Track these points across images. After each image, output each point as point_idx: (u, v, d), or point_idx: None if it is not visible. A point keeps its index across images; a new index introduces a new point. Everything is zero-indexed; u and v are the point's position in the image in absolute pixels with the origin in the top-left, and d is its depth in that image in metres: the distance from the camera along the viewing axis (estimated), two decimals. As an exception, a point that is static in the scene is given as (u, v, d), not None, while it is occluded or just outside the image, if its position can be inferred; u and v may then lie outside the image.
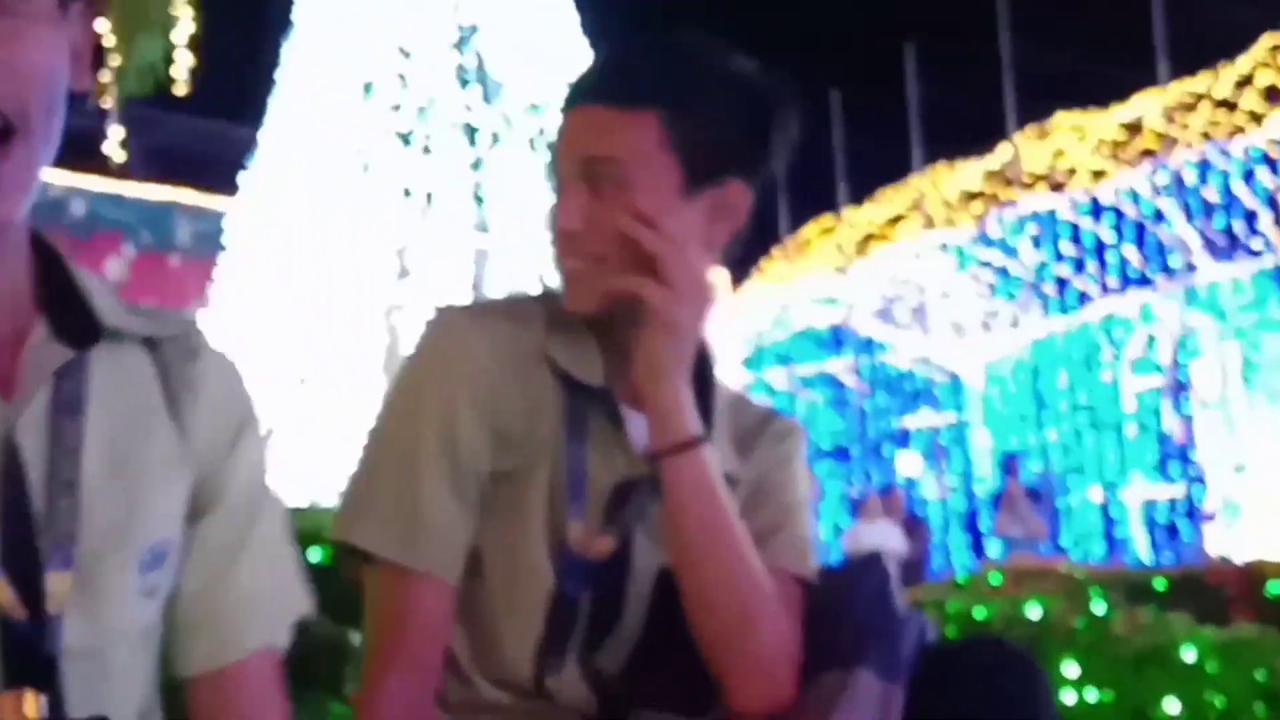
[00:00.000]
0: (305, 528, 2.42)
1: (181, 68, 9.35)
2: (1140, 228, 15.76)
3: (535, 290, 1.63)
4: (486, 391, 1.48)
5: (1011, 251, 16.99)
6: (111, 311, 1.11)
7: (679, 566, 1.46)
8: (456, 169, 11.71)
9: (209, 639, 1.15)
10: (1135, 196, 15.83)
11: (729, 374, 14.57)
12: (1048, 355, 17.12)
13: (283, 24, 11.87)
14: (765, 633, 1.45)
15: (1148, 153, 15.64)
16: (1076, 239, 16.29)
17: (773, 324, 18.60)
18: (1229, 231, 15.09)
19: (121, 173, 13.11)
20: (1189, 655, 3.96)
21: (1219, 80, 15.42)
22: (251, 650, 1.16)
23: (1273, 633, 4.26)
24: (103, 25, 8.97)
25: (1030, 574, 5.40)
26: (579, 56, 11.40)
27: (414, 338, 1.55)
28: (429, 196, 11.80)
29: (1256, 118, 14.85)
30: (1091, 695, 3.98)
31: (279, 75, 11.92)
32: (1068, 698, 3.97)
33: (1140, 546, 15.90)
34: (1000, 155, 17.21)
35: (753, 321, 18.22)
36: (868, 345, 18.57)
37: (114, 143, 10.11)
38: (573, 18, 11.85)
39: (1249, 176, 14.73)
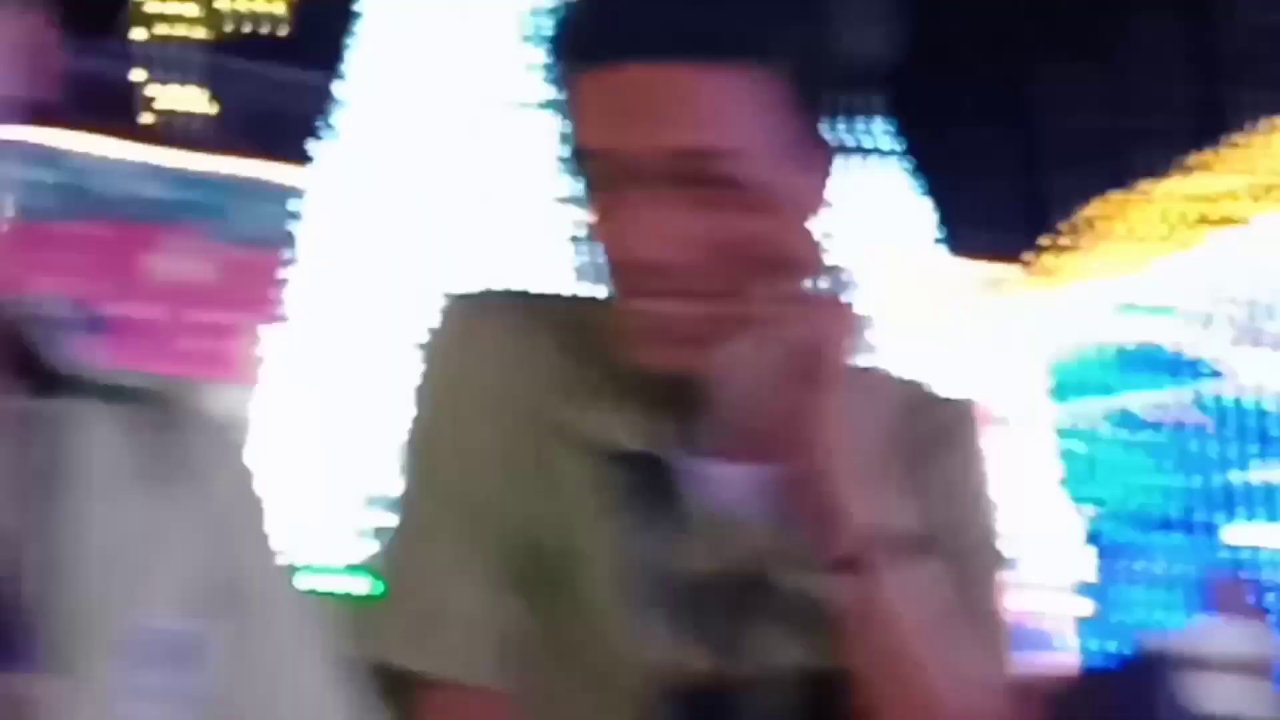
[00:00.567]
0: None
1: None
2: None
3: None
4: (504, 425, 1.29)
5: None
6: (68, 361, 1.09)
7: (863, 695, 1.27)
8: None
9: None
10: None
11: (1002, 407, 13.24)
12: None
13: None
14: None
15: None
16: None
17: (1059, 341, 16.46)
18: None
19: (184, 142, 12.17)
20: None
21: None
22: None
23: None
24: None
25: None
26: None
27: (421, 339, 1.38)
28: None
29: None
30: None
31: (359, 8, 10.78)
32: None
33: None
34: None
35: (1028, 338, 16.22)
36: (1194, 369, 16.23)
37: (201, 99, 9.53)
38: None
39: None
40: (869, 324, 1.25)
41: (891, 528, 1.22)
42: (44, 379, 1.07)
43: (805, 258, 1.24)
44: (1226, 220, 15.87)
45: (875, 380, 1.35)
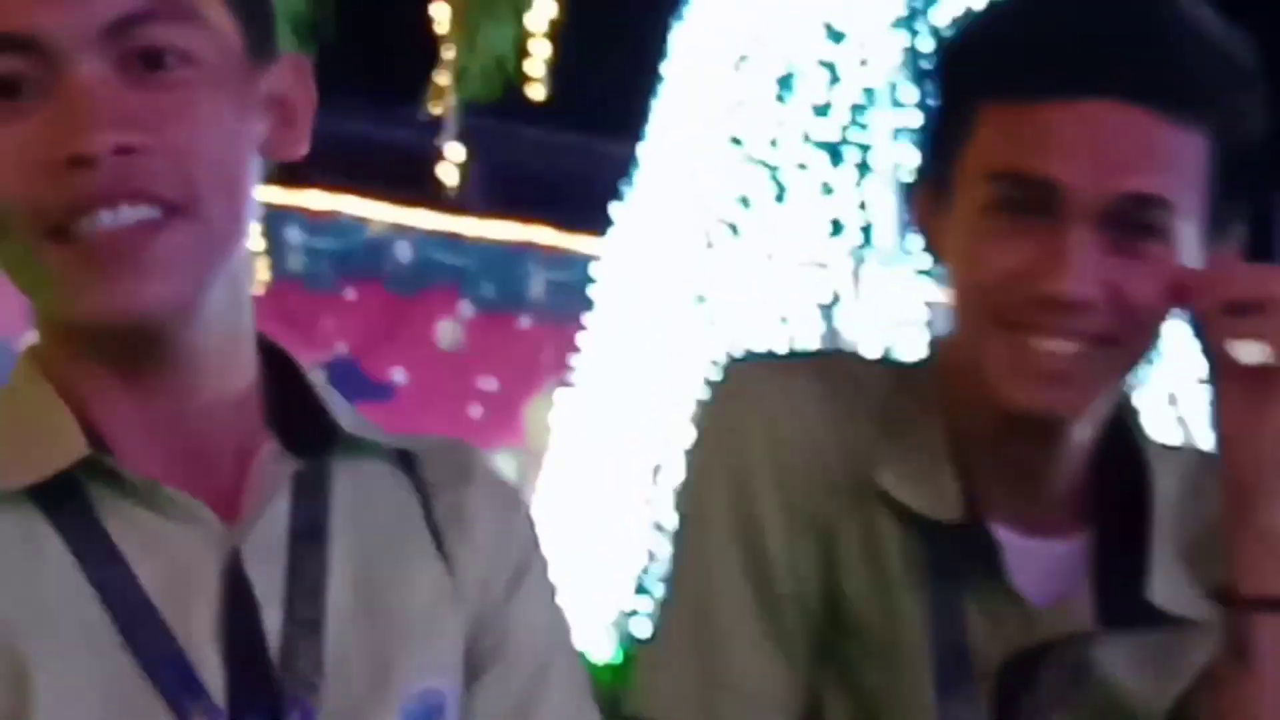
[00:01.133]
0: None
1: (538, 63, 8.35)
2: None
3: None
4: (802, 485, 1.26)
5: None
6: (352, 420, 1.13)
7: None
8: (905, 192, 9.85)
9: None
10: None
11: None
12: None
13: (671, 2, 10.49)
14: None
15: None
16: None
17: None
18: None
19: (457, 206, 11.78)
20: None
21: None
22: None
23: None
24: (439, 10, 8.09)
25: None
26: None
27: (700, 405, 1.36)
28: (866, 230, 9.73)
29: None
30: None
31: (665, 70, 10.46)
32: None
33: None
34: None
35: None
36: None
37: (449, 166, 9.17)
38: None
39: None
40: None
41: None
42: (332, 440, 1.10)
43: (1164, 318, 1.25)
44: None
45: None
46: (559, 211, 12.90)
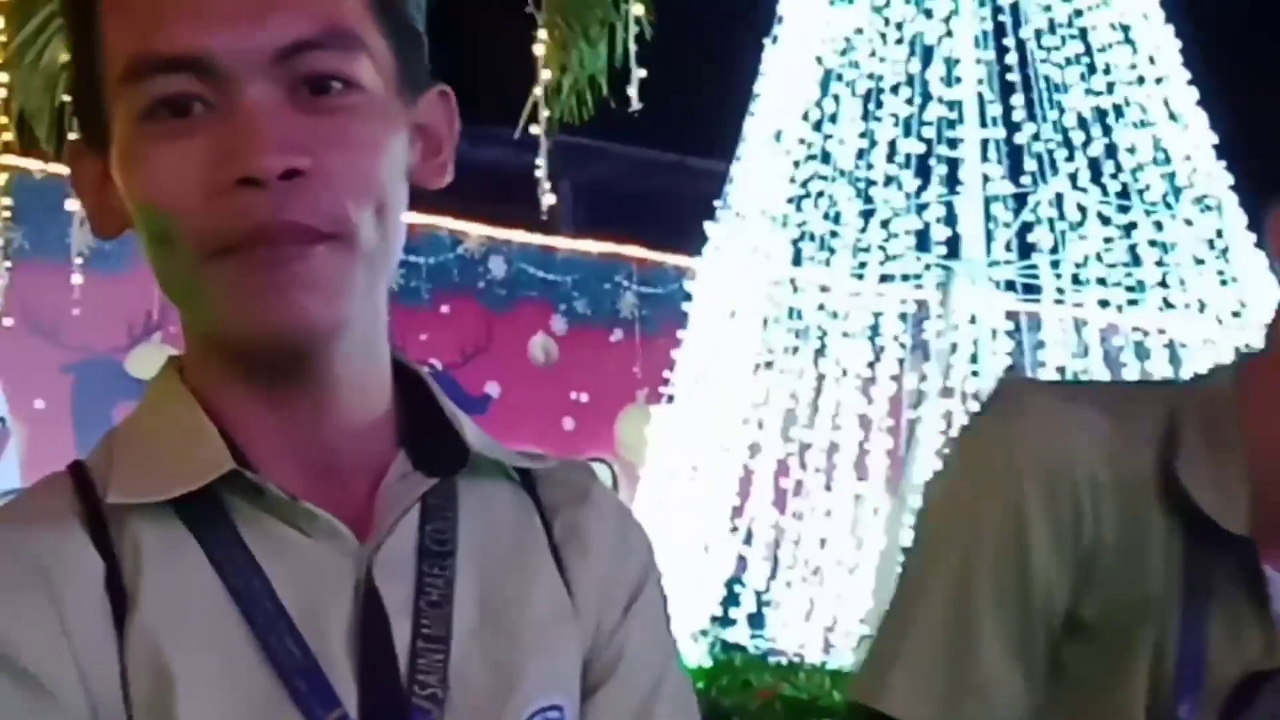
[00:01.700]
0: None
1: (631, 83, 8.22)
2: None
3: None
4: (1071, 503, 1.28)
5: None
6: (480, 440, 1.13)
7: None
8: (989, 207, 10.00)
9: None
10: None
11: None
12: None
13: (763, 19, 10.65)
14: None
15: None
16: None
17: None
18: None
19: (550, 225, 12.01)
20: None
21: None
22: None
23: None
24: (535, 32, 8.29)
25: None
26: (1168, 36, 10.03)
27: (965, 423, 1.43)
28: (951, 243, 9.95)
29: None
30: None
31: (758, 88, 10.59)
32: None
33: None
34: None
35: None
36: None
37: (543, 184, 8.67)
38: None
39: None
40: None
41: None
42: (462, 460, 1.10)
43: None
44: None
45: None
46: (650, 228, 13.11)
